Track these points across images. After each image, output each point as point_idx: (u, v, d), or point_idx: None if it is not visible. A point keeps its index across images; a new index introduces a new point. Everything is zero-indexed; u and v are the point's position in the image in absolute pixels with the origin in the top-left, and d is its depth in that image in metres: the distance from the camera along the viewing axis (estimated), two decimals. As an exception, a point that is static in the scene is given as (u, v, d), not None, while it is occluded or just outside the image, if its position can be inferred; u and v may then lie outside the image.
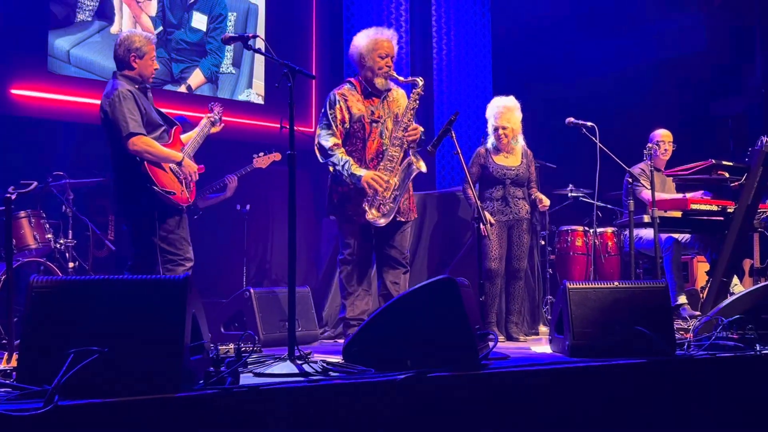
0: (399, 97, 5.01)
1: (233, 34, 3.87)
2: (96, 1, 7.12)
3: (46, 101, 6.70)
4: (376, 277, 5.12)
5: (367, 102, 4.91)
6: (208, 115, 4.97)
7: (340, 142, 4.83)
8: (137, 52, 4.57)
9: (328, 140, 4.81)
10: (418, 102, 4.84)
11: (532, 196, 5.62)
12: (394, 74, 4.88)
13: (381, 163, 4.79)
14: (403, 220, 4.89)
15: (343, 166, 4.74)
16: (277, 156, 6.37)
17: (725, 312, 4.28)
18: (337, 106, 4.85)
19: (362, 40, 4.91)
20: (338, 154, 4.77)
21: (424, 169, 4.77)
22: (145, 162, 4.43)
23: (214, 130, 4.96)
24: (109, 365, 2.59)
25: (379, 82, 4.88)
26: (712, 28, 8.91)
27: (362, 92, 4.93)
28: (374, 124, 4.86)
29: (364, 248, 4.93)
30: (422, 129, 4.88)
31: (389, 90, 4.97)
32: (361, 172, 4.72)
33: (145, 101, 4.57)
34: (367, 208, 4.72)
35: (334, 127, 4.83)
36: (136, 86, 4.56)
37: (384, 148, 4.83)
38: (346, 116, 4.85)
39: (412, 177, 4.82)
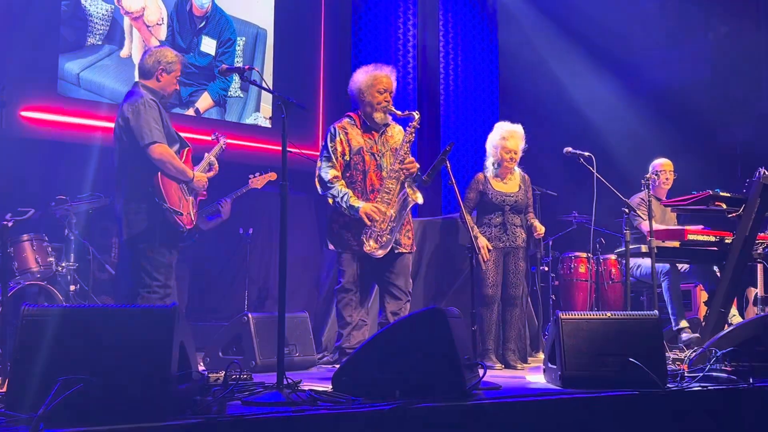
0: (396, 132, 5.11)
1: (230, 66, 3.93)
2: (106, 25, 7.23)
3: (55, 124, 6.78)
4: (375, 306, 5.14)
5: (366, 136, 5.01)
6: (210, 157, 4.92)
7: (339, 174, 4.92)
8: (167, 67, 4.56)
9: (327, 173, 4.90)
10: (414, 135, 4.96)
11: (528, 222, 5.63)
12: (393, 109, 4.98)
13: (378, 195, 4.86)
14: (404, 251, 4.96)
15: (342, 198, 4.82)
16: (272, 175, 6.39)
17: (720, 343, 4.28)
18: (338, 138, 4.96)
19: (361, 76, 5.03)
20: (337, 186, 4.86)
21: (420, 200, 4.84)
22: (159, 176, 4.34)
23: (208, 174, 4.89)
24: (96, 393, 2.63)
25: (378, 116, 4.97)
26: (717, 56, 8.94)
27: (361, 127, 5.03)
28: (373, 157, 4.94)
29: (363, 278, 4.99)
30: (418, 165, 4.97)
31: (387, 125, 5.07)
32: (359, 203, 4.81)
33: (165, 115, 4.51)
34: (365, 239, 4.80)
35: (334, 160, 4.93)
36: (157, 99, 4.50)
37: (383, 181, 4.91)
38: (346, 149, 4.95)
39: (408, 209, 4.89)
